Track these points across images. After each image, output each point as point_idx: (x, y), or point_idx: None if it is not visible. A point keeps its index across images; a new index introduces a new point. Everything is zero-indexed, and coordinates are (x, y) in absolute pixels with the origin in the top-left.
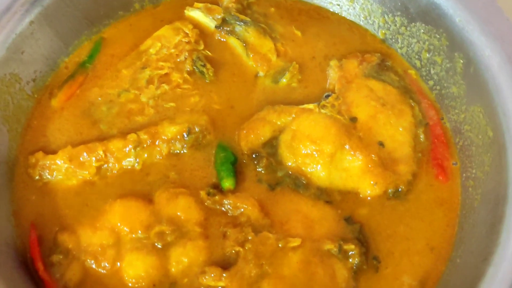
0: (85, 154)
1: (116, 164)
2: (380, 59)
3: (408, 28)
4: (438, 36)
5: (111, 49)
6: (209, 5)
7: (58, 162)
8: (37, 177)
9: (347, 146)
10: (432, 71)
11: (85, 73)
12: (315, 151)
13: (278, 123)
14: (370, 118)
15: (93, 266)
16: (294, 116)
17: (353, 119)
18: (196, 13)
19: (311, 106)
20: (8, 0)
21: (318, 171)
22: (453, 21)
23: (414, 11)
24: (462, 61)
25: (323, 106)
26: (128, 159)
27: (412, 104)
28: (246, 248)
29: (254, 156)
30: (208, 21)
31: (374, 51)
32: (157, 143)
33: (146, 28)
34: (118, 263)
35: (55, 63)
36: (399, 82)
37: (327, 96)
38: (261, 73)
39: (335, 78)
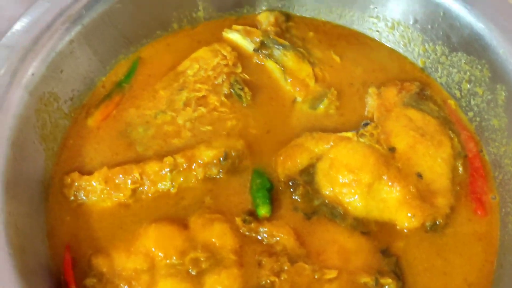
0: (121, 176)
1: (152, 187)
2: (420, 88)
3: (449, 58)
4: (480, 67)
5: (148, 69)
6: (248, 28)
7: (94, 183)
8: (72, 198)
9: (385, 177)
10: (472, 102)
11: (122, 93)
12: (353, 180)
13: (316, 150)
14: (409, 148)
15: None
16: (332, 144)
17: (392, 149)
18: (234, 35)
19: (349, 134)
20: (49, 18)
21: (355, 201)
22: (496, 53)
23: (456, 41)
24: (504, 94)
25: (362, 135)
26: (164, 182)
27: (451, 135)
28: (282, 278)
29: (290, 183)
30: (247, 44)
31: (413, 80)
32: (193, 166)
33: (184, 49)
34: None
35: (92, 82)
36: (438, 112)
37: (366, 125)
38: (298, 99)
39: (374, 106)
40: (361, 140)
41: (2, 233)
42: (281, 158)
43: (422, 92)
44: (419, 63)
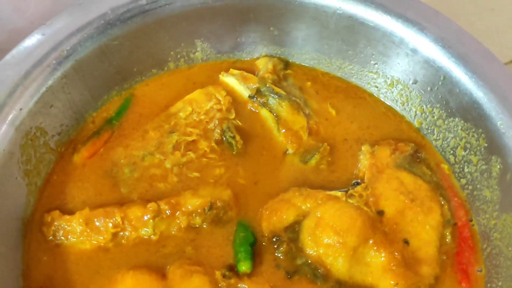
0: (102, 219)
1: (133, 233)
2: (414, 149)
3: (446, 122)
4: (476, 136)
5: (140, 108)
6: (245, 73)
7: (74, 224)
8: (50, 237)
9: (371, 241)
10: (466, 170)
11: (111, 130)
12: (338, 242)
13: (303, 207)
14: (397, 213)
15: None
16: (320, 202)
17: (380, 213)
18: (231, 80)
19: (338, 193)
20: (41, 52)
21: (338, 263)
22: (494, 124)
23: (454, 106)
24: (499, 166)
25: (351, 196)
26: (146, 229)
27: (442, 202)
28: None
29: (274, 239)
30: (242, 90)
31: (408, 139)
32: (177, 214)
33: (178, 89)
34: None
35: (82, 117)
36: (430, 176)
37: (356, 184)
38: (290, 151)
39: (366, 165)
40: (350, 201)
41: None
42: (267, 212)
43: (416, 154)
44: (416, 123)
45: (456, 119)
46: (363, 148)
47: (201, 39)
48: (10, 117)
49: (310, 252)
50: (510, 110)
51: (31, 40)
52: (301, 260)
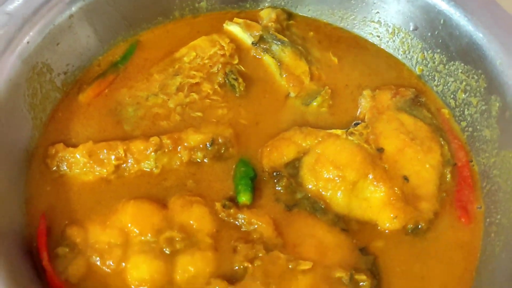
0: (105, 151)
1: (135, 165)
2: (415, 94)
3: (447, 67)
4: (476, 77)
5: (145, 53)
6: (249, 22)
7: (78, 155)
8: (54, 168)
9: (370, 176)
10: (466, 112)
11: (116, 73)
12: (338, 177)
13: (303, 144)
14: (397, 151)
15: (98, 263)
16: (320, 139)
17: (380, 150)
18: (234, 28)
19: (338, 132)
20: None
21: (338, 198)
22: (493, 64)
23: (454, 50)
24: (498, 105)
25: (351, 133)
26: (147, 162)
27: (442, 143)
28: (255, 265)
29: (274, 174)
30: (246, 37)
31: (409, 86)
32: (178, 149)
33: (183, 37)
34: (123, 264)
35: (88, 59)
36: (431, 119)
37: (356, 124)
38: (292, 94)
39: (366, 107)
40: (350, 138)
41: None
42: (268, 149)
43: (416, 99)
44: (417, 71)
45: (457, 63)
46: (364, 92)
47: None
48: (17, 49)
49: (310, 187)
50: (508, 49)
51: None
52: (301, 194)
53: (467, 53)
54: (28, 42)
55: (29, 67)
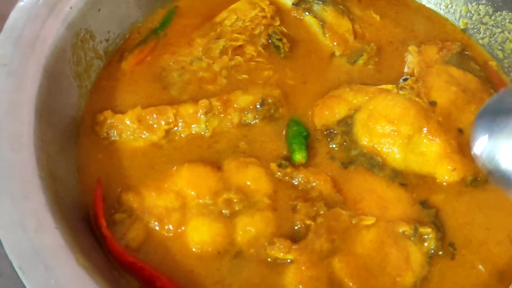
0: (154, 116)
1: (186, 129)
2: (461, 47)
3: (493, 17)
4: None
5: (184, 19)
6: None
7: (127, 122)
8: (104, 135)
9: (425, 130)
10: None
11: (157, 40)
12: (392, 131)
13: (354, 101)
14: (450, 103)
15: (157, 228)
16: (371, 95)
17: (433, 103)
18: None
19: (389, 86)
20: None
21: (394, 153)
22: None
23: (500, 0)
24: None
25: (402, 88)
26: (198, 125)
27: (493, 94)
28: (318, 222)
29: (327, 132)
30: None
31: (454, 41)
32: (228, 110)
33: (220, 2)
34: (183, 227)
35: (128, 26)
36: (479, 71)
37: (405, 79)
38: (337, 53)
39: (414, 62)
40: (401, 92)
41: (33, 156)
42: (319, 107)
43: (463, 52)
44: (461, 25)
45: (504, 12)
46: (409, 48)
47: None
48: (61, 15)
49: (365, 143)
50: None
51: None
52: (356, 151)
53: None
54: (71, 8)
55: (72, 33)
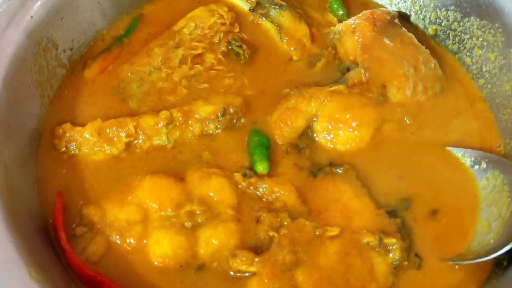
0: (114, 128)
1: (147, 142)
2: (390, 15)
3: (461, 24)
4: (493, 32)
5: (149, 26)
6: None
7: (86, 135)
8: (63, 149)
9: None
10: (484, 69)
11: (121, 48)
12: (354, 136)
13: (309, 110)
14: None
15: (118, 241)
16: (324, 101)
17: (384, 96)
18: None
19: (341, 87)
20: None
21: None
22: (510, 15)
23: (468, 5)
24: None
25: (353, 86)
26: (159, 137)
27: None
28: (281, 233)
29: (292, 147)
30: (243, 4)
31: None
32: (190, 122)
33: (183, 9)
34: (144, 241)
35: (92, 34)
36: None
37: (348, 70)
38: (295, 58)
39: (354, 48)
40: (353, 91)
41: None
42: (278, 124)
43: (393, 20)
44: (430, 31)
45: (472, 18)
46: (340, 27)
47: None
48: (21, 24)
49: (329, 150)
50: None
51: None
52: (321, 159)
53: (482, 8)
54: (32, 17)
55: (34, 42)
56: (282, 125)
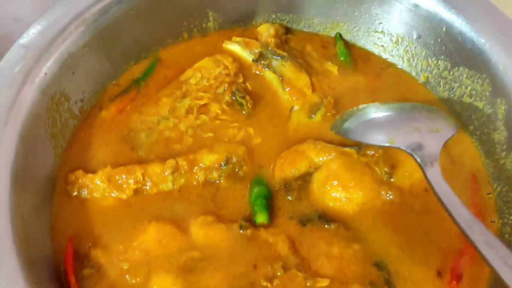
0: (124, 176)
1: (154, 188)
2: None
3: (451, 73)
4: (480, 82)
5: (165, 70)
6: (247, 39)
7: (97, 181)
8: (75, 194)
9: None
10: (473, 117)
11: (138, 90)
12: (345, 197)
13: (315, 160)
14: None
15: (123, 282)
16: (332, 157)
17: (389, 174)
18: (234, 47)
19: (352, 151)
20: (64, 20)
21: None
22: (496, 68)
23: (458, 56)
24: (504, 107)
25: (364, 155)
26: (165, 184)
27: None
28: (274, 284)
29: (285, 185)
30: (246, 55)
31: (415, 93)
32: (194, 170)
33: (200, 53)
34: (148, 283)
35: (102, 85)
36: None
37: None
38: (296, 107)
39: None
40: (362, 159)
41: (8, 223)
42: (281, 161)
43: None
44: (421, 78)
45: (461, 68)
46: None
47: (212, 10)
48: (36, 80)
49: (319, 202)
50: (511, 53)
51: (55, 11)
52: (312, 208)
53: (470, 59)
54: (45, 73)
55: (48, 97)
56: (285, 163)
